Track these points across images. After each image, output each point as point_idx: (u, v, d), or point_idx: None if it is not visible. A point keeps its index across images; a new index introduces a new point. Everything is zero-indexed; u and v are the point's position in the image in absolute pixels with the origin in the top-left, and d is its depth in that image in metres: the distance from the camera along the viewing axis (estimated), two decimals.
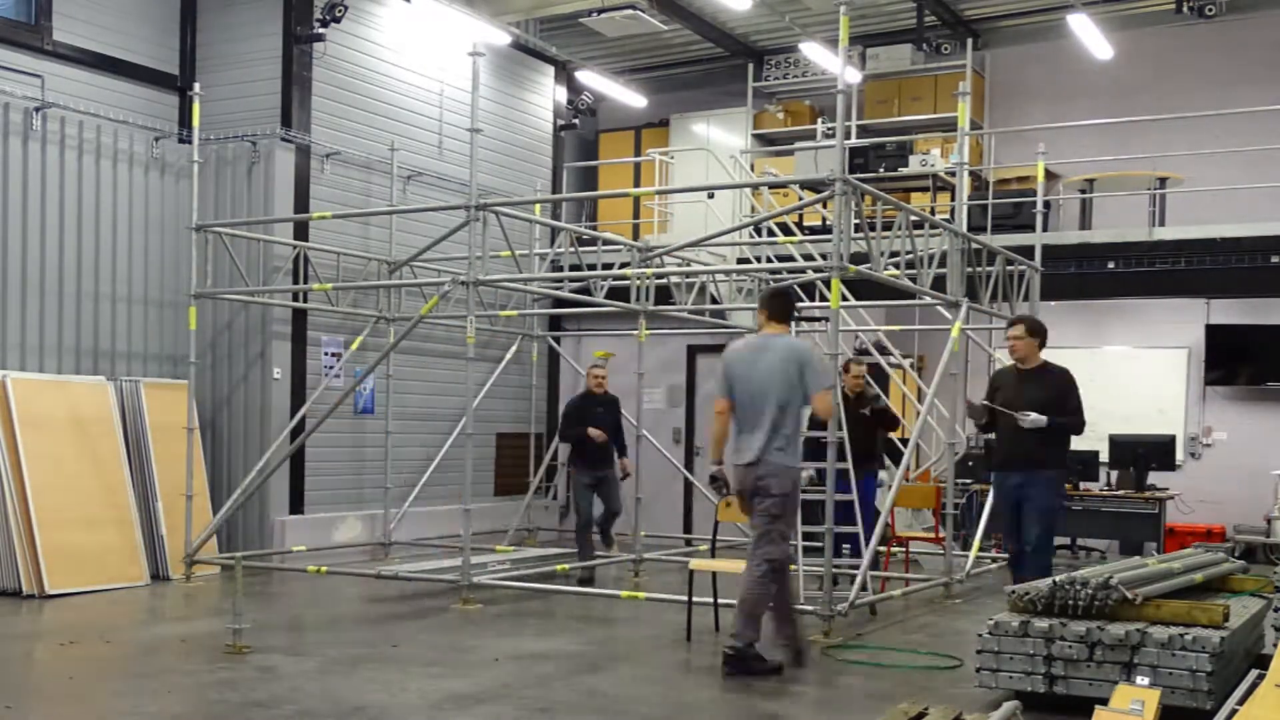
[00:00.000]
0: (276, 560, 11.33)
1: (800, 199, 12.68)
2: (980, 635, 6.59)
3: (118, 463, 10.60)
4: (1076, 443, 13.21)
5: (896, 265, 9.64)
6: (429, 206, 12.46)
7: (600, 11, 13.58)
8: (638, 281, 11.85)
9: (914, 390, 13.91)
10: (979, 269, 10.91)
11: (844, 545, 9.58)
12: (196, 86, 11.11)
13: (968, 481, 13.12)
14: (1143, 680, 5.33)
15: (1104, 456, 13.41)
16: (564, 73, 15.55)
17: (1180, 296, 13.48)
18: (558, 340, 15.27)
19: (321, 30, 11.95)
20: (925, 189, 14.65)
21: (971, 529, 11.74)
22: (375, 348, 12.46)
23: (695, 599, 8.93)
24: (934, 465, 13.24)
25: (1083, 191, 14.06)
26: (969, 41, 14.54)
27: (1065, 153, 13.83)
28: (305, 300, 12.14)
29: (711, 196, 13.68)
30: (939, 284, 10.40)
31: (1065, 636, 6.28)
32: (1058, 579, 6.50)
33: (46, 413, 10.20)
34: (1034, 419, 8.63)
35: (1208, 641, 6.01)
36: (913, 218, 9.69)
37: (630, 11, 13.53)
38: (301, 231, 12.09)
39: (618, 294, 11.99)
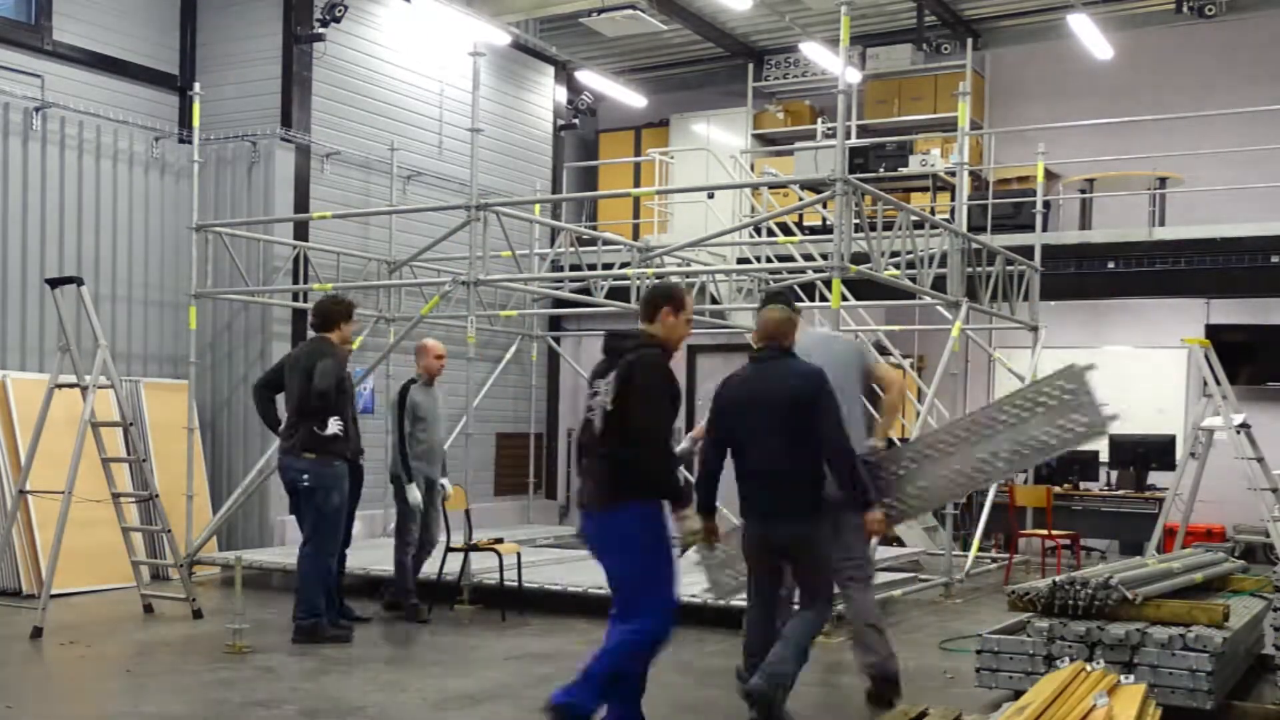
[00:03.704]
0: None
1: (800, 199, 12.68)
2: (980, 635, 6.59)
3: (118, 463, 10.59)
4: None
5: (896, 265, 9.64)
6: (429, 206, 12.46)
7: (600, 11, 13.57)
8: (638, 281, 11.84)
9: (914, 390, 13.91)
10: (979, 269, 10.92)
11: None
12: (196, 86, 11.11)
13: None
14: (1128, 679, 5.33)
15: (1104, 456, 13.42)
16: (564, 73, 15.55)
17: (1180, 296, 13.48)
18: (558, 340, 15.27)
19: (321, 30, 11.95)
20: (925, 189, 14.65)
21: (971, 529, 11.73)
22: (375, 348, 12.45)
23: (690, 600, 8.93)
24: None
25: (1083, 191, 14.06)
26: (969, 41, 14.54)
27: (1065, 153, 13.84)
28: (305, 300, 12.13)
29: (711, 196, 13.67)
30: (939, 284, 10.41)
31: (1065, 636, 6.28)
32: (1057, 579, 6.50)
33: (47, 412, 10.18)
34: None
35: (1209, 641, 6.00)
36: (913, 218, 9.70)
37: (630, 11, 13.52)
38: (301, 231, 12.08)
39: (618, 294, 11.99)
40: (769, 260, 13.51)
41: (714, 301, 13.09)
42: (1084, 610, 6.33)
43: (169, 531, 9.44)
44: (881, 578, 9.77)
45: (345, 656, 7.73)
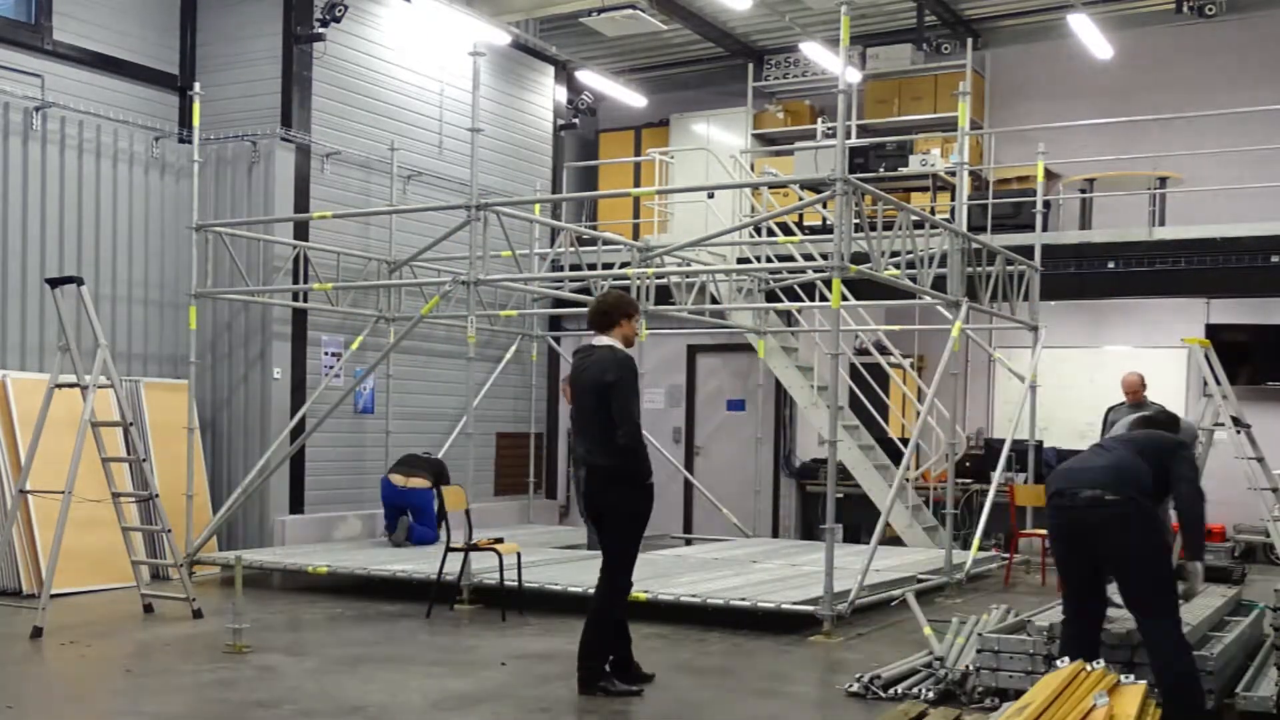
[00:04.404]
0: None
1: (800, 199, 12.67)
2: (980, 635, 6.59)
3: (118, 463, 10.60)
4: (1074, 441, 13.19)
5: (896, 265, 9.64)
6: (429, 206, 12.46)
7: (600, 11, 13.57)
8: (638, 281, 11.85)
9: (914, 390, 13.92)
10: (979, 269, 10.91)
11: None
12: (196, 86, 11.11)
13: (967, 481, 13.12)
14: (1128, 679, 5.33)
15: None
16: (564, 72, 15.55)
17: (1180, 296, 13.48)
18: (558, 340, 15.27)
19: (321, 30, 11.94)
20: (925, 189, 14.64)
21: (971, 529, 11.73)
22: (375, 348, 12.45)
23: (691, 600, 8.95)
24: (933, 465, 13.23)
25: (1083, 191, 14.06)
26: (969, 41, 14.54)
27: (1065, 153, 13.83)
28: (305, 300, 12.14)
29: (711, 196, 13.67)
30: (939, 284, 10.40)
31: None
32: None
33: (47, 412, 10.18)
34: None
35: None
36: (913, 217, 9.70)
37: (630, 11, 13.52)
38: (301, 231, 12.08)
39: None
40: (769, 260, 13.51)
41: (714, 301, 13.09)
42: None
43: (169, 531, 9.44)
44: (880, 577, 9.79)
45: (345, 656, 7.73)
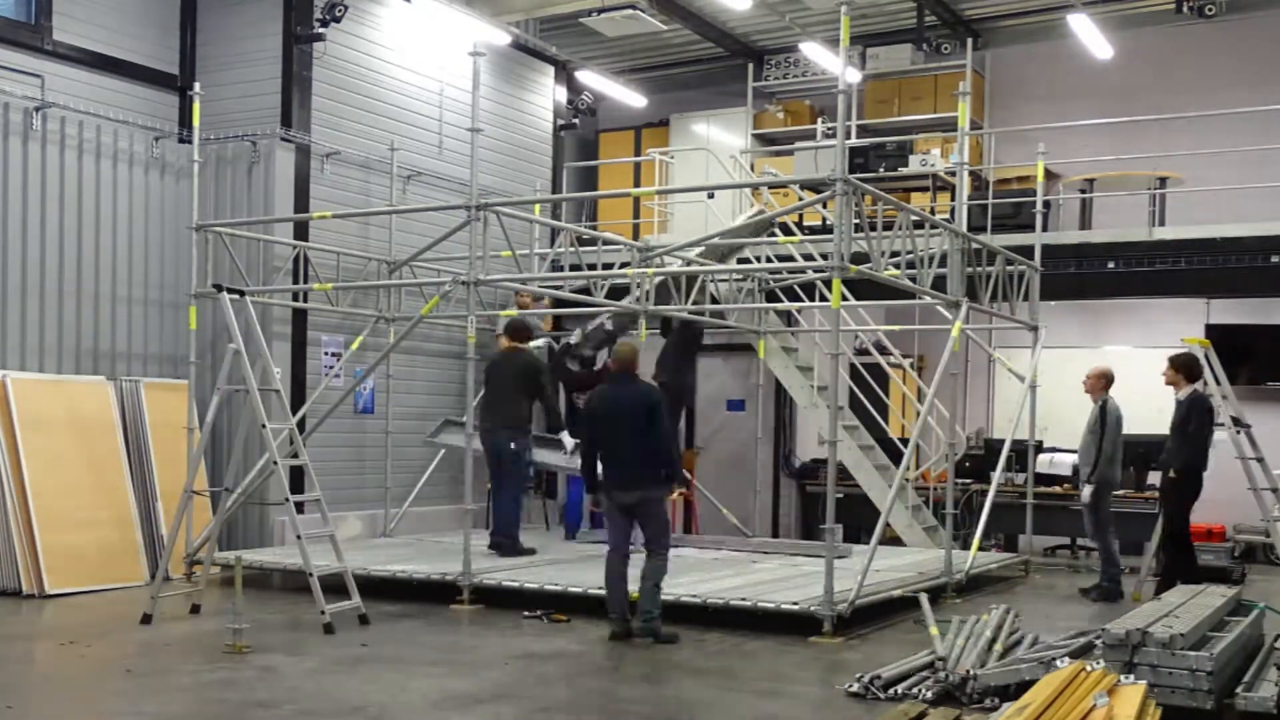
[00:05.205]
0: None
1: (800, 199, 12.67)
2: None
3: (118, 463, 10.60)
4: (1074, 441, 13.09)
5: (896, 265, 9.64)
6: (429, 206, 12.46)
7: (600, 11, 13.57)
8: (638, 281, 11.84)
9: (914, 390, 13.92)
10: (979, 269, 10.91)
11: None
12: (196, 86, 11.11)
13: (967, 481, 13.11)
14: (1128, 679, 5.34)
15: None
16: (564, 73, 15.54)
17: (1180, 296, 13.48)
18: (557, 340, 15.25)
19: (321, 30, 11.94)
20: (925, 189, 14.65)
21: (971, 529, 11.73)
22: (375, 348, 12.45)
23: (691, 600, 8.95)
24: (933, 465, 13.23)
25: (1083, 191, 14.06)
26: (969, 41, 14.55)
27: (1065, 153, 13.83)
28: (305, 300, 12.14)
29: (711, 196, 13.67)
30: (939, 284, 10.40)
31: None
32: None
33: (46, 413, 10.20)
34: None
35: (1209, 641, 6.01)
36: (913, 218, 9.69)
37: (630, 11, 13.52)
38: (301, 231, 12.08)
39: (618, 294, 11.99)
40: (769, 260, 13.51)
41: (714, 301, 13.09)
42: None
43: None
44: (881, 578, 9.79)
45: (345, 656, 7.73)
